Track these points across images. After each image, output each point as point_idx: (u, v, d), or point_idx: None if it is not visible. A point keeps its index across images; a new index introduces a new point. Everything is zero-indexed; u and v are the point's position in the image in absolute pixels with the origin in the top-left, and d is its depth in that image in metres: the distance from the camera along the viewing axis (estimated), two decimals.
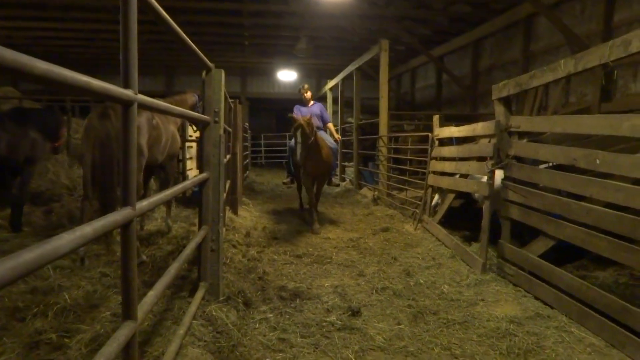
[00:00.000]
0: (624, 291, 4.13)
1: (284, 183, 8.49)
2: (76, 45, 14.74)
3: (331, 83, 15.16)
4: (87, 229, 1.26)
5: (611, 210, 3.29)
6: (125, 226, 1.59)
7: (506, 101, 4.82)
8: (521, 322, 3.53)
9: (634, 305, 3.08)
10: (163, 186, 5.87)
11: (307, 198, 7.59)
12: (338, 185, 9.30)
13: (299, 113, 7.50)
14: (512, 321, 3.55)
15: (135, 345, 1.65)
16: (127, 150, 1.62)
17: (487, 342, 3.25)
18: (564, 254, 4.53)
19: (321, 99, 17.95)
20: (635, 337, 2.97)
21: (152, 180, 7.32)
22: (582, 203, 3.61)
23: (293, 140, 6.90)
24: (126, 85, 1.58)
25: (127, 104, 1.59)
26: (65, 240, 1.13)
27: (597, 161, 3.40)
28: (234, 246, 5.21)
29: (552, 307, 3.78)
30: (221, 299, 3.49)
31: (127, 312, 1.62)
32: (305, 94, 8.00)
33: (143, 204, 1.80)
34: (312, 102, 8.02)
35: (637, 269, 3.62)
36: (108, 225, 1.41)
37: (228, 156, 6.50)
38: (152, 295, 1.93)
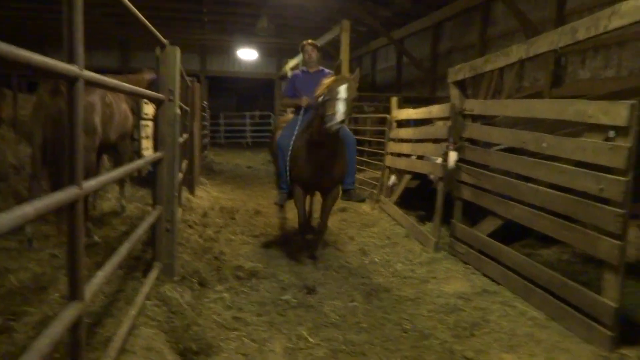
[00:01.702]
0: (565, 268, 4.37)
1: (276, 204, 5.18)
2: (23, 17, 13.95)
3: (292, 62, 15.02)
4: (28, 209, 1.23)
5: (555, 191, 3.46)
6: (71, 206, 1.56)
7: (461, 85, 4.93)
8: (469, 298, 3.70)
9: (573, 281, 3.27)
10: (117, 166, 5.71)
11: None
12: (363, 200, 5.44)
13: (302, 87, 4.94)
14: (461, 297, 3.70)
15: (83, 326, 1.63)
16: (73, 128, 1.58)
17: (436, 317, 3.38)
18: (512, 233, 4.73)
19: (282, 78, 17.81)
20: (573, 311, 3.16)
21: (106, 160, 7.12)
22: (530, 184, 3.77)
23: (286, 129, 4.79)
24: (71, 60, 1.52)
25: (72, 80, 1.54)
26: (4, 219, 1.10)
27: (544, 144, 3.55)
28: (191, 226, 5.16)
29: (498, 284, 3.97)
30: (176, 279, 3.47)
31: (74, 292, 1.60)
32: (310, 53, 5.13)
33: (91, 183, 1.76)
34: (319, 68, 5.16)
35: (577, 246, 3.83)
36: (52, 205, 1.38)
37: (185, 135, 6.39)
38: (100, 275, 1.91)
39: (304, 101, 4.78)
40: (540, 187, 3.66)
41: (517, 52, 3.96)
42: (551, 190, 3.52)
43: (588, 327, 3.03)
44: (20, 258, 3.75)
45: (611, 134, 2.96)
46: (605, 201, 2.99)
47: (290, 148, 4.58)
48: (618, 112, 2.88)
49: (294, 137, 4.62)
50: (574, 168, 3.28)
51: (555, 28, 3.70)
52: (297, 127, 4.71)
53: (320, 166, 4.42)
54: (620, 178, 2.85)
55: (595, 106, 3.09)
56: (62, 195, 1.48)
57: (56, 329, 1.40)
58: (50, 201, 1.38)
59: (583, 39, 3.27)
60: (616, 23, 2.94)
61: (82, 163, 1.63)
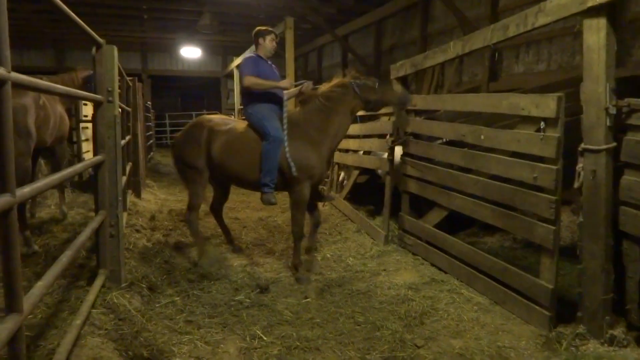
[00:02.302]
0: (507, 254, 4.59)
1: (271, 204, 4.39)
2: None
3: (237, 60, 14.85)
4: None
5: (494, 181, 3.62)
6: (4, 215, 1.48)
7: (404, 80, 5.05)
8: (418, 288, 3.81)
9: (514, 266, 3.44)
10: (55, 171, 5.46)
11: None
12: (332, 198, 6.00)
13: (265, 73, 4.43)
14: (411, 287, 3.81)
15: (22, 339, 1.56)
16: (2, 132, 1.50)
17: (387, 308, 3.47)
18: (458, 222, 4.91)
19: (228, 76, 17.56)
20: (515, 294, 3.33)
21: (43, 165, 6.78)
22: (470, 175, 3.92)
23: (272, 120, 4.22)
24: None
25: None
26: None
27: (482, 136, 3.71)
28: (138, 231, 5.02)
29: (446, 273, 4.11)
30: (123, 285, 3.36)
31: (11, 305, 1.53)
32: (275, 44, 4.79)
33: (25, 190, 1.68)
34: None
35: (517, 233, 4.03)
36: None
37: (128, 137, 6.19)
38: (40, 285, 1.83)
39: (287, 83, 4.42)
40: (481, 178, 3.82)
41: (455, 48, 4.10)
42: (490, 181, 3.68)
43: (528, 308, 3.20)
44: None
45: (542, 125, 3.13)
46: (540, 189, 3.16)
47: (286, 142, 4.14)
48: (547, 105, 3.05)
49: (285, 131, 4.17)
50: (510, 158, 3.45)
51: (490, 25, 3.86)
52: (283, 119, 4.25)
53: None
54: (552, 166, 3.02)
55: (527, 99, 3.25)
56: None
57: None
58: None
59: (513, 35, 3.43)
60: (542, 20, 3.11)
61: (13, 169, 1.55)
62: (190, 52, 17.69)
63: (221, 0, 11.78)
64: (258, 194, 4.36)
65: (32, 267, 3.74)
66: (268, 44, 4.70)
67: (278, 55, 14.01)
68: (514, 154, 3.47)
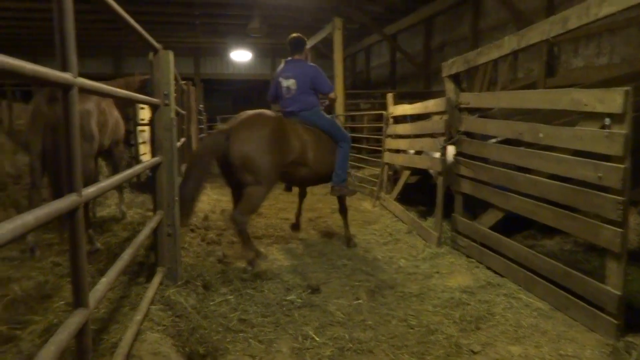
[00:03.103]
0: (568, 258, 4.37)
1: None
2: (14, 26, 13.91)
3: None
4: (29, 218, 1.22)
5: (554, 181, 3.46)
6: (71, 213, 1.55)
7: (455, 78, 4.92)
8: (473, 292, 3.69)
9: (576, 270, 3.27)
10: (114, 172, 5.72)
11: None
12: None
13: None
14: (465, 291, 3.70)
15: (89, 332, 1.63)
16: (70, 135, 1.57)
17: (441, 312, 3.38)
18: (514, 224, 4.73)
19: None
20: (578, 300, 3.16)
21: (104, 166, 7.11)
22: (528, 175, 3.77)
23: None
24: (64, 67, 1.51)
25: (66, 87, 1.53)
26: (5, 229, 1.10)
27: (540, 134, 3.55)
28: (192, 230, 5.16)
29: (502, 276, 3.97)
30: (180, 283, 3.46)
31: (79, 300, 1.59)
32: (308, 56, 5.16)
33: (90, 190, 1.75)
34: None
35: (579, 236, 3.83)
36: (52, 213, 1.37)
37: (182, 139, 6.38)
38: (104, 282, 1.90)
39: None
40: (539, 178, 3.66)
41: (510, 43, 3.95)
42: (550, 181, 3.52)
43: (593, 315, 3.03)
44: (22, 267, 3.74)
45: (607, 121, 2.96)
46: (605, 189, 2.98)
47: None
48: (613, 99, 2.88)
49: None
50: (571, 157, 3.28)
51: (546, 18, 3.70)
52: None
53: None
54: (619, 165, 2.85)
55: (590, 94, 3.08)
56: (61, 203, 1.47)
57: (62, 336, 1.40)
58: (50, 209, 1.37)
59: (574, 27, 3.26)
60: (606, 10, 2.94)
61: (80, 170, 1.62)
62: (241, 56, 18.07)
63: (270, 4, 11.95)
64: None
65: (95, 264, 3.91)
66: (303, 56, 5.03)
67: (325, 56, 14.19)
68: (575, 153, 3.30)
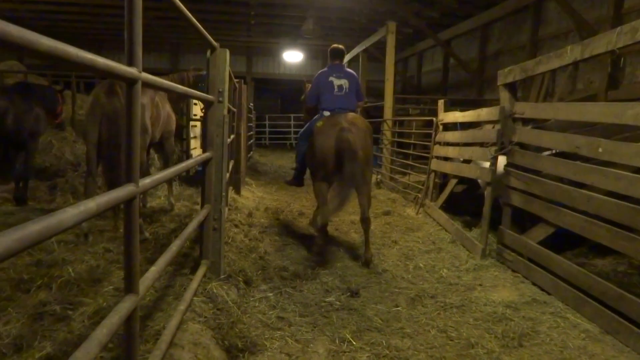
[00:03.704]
0: (621, 279, 4.17)
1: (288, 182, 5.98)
2: (80, 20, 14.64)
3: None
4: (91, 204, 1.29)
5: (611, 199, 3.31)
6: (128, 202, 1.62)
7: (511, 87, 4.80)
8: (517, 307, 3.58)
9: (630, 293, 3.11)
10: (165, 164, 5.92)
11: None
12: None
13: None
14: (509, 306, 3.59)
15: (137, 318, 1.69)
16: (130, 128, 1.64)
17: (483, 325, 3.30)
18: (563, 241, 4.56)
19: None
20: (629, 324, 3.01)
21: (155, 158, 7.36)
22: (583, 191, 3.62)
23: (310, 122, 5.30)
24: (130, 63, 1.59)
25: (131, 82, 1.60)
26: (70, 214, 1.16)
27: (600, 149, 3.40)
28: (236, 226, 5.26)
29: (549, 293, 3.82)
30: (222, 277, 3.54)
31: (129, 286, 1.66)
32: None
33: (146, 181, 1.82)
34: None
35: (636, 257, 3.64)
36: (111, 201, 1.44)
37: (232, 136, 6.51)
38: (153, 270, 1.97)
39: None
40: (595, 194, 3.51)
41: (572, 53, 3.81)
42: (607, 198, 3.36)
43: None
44: (77, 251, 3.93)
45: None
46: None
47: None
48: None
49: None
50: (633, 175, 3.13)
51: (612, 28, 3.54)
52: None
53: None
54: None
55: None
56: (120, 192, 1.54)
57: (113, 320, 1.46)
58: (110, 197, 1.43)
59: None
60: None
61: (138, 162, 1.69)
62: (293, 56, 18.26)
63: (324, 6, 12.02)
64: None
65: (143, 252, 4.06)
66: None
67: (377, 59, 14.14)
68: (637, 170, 3.14)
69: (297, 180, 5.72)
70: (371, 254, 4.71)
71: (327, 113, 5.12)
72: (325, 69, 5.40)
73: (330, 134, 4.62)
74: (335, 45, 5.48)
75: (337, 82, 5.17)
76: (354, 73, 5.40)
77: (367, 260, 4.62)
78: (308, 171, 5.39)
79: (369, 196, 4.83)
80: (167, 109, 5.40)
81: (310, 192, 6.05)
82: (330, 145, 4.58)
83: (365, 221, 4.74)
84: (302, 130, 5.56)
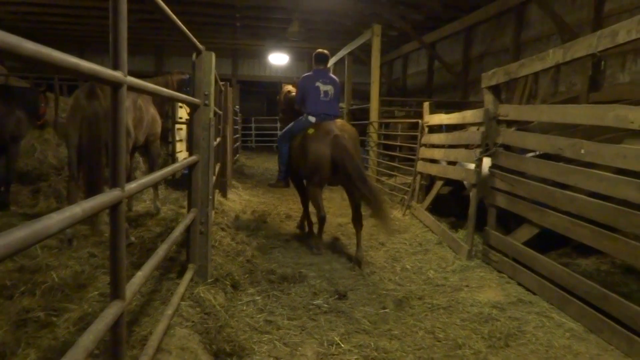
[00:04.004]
0: (605, 278, 4.23)
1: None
2: (63, 22, 14.46)
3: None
4: (77, 210, 1.27)
5: (594, 199, 3.36)
6: (114, 207, 1.60)
7: (495, 90, 4.85)
8: (504, 308, 3.62)
9: (613, 292, 3.17)
10: (151, 168, 5.86)
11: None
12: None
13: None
14: (495, 306, 3.63)
15: (123, 324, 1.67)
16: (115, 131, 1.62)
17: (470, 326, 3.32)
18: (548, 241, 4.61)
19: None
20: (613, 323, 3.06)
21: (140, 161, 7.29)
22: (567, 192, 3.67)
23: (293, 124, 5.47)
24: (115, 66, 1.57)
25: (116, 85, 1.58)
26: (55, 220, 1.14)
27: (582, 151, 3.46)
28: (223, 229, 5.22)
29: (534, 293, 3.87)
30: (209, 281, 3.52)
31: (115, 291, 1.64)
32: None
33: (132, 186, 1.81)
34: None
35: (618, 257, 3.70)
36: (97, 207, 1.42)
37: (218, 139, 6.48)
38: (140, 275, 1.95)
39: None
40: (578, 195, 3.56)
41: (554, 56, 3.87)
42: (589, 198, 3.42)
43: (629, 340, 2.92)
44: (61, 256, 3.87)
45: None
46: None
47: None
48: None
49: None
50: (615, 176, 3.18)
51: (593, 31, 3.60)
52: None
53: None
54: None
55: (637, 111, 2.98)
56: (106, 197, 1.53)
57: (99, 326, 1.44)
58: (95, 202, 1.42)
59: (624, 42, 3.16)
60: None
61: (124, 166, 1.67)
62: (278, 59, 18.26)
63: (310, 9, 12.05)
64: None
65: (129, 257, 4.01)
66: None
67: (362, 62, 14.19)
68: (618, 171, 3.20)
69: (283, 182, 5.79)
70: (363, 254, 4.77)
71: (312, 118, 5.30)
72: (311, 73, 5.53)
73: (325, 141, 4.83)
74: (320, 50, 5.59)
75: (323, 87, 5.34)
76: (337, 79, 5.59)
77: (358, 260, 4.68)
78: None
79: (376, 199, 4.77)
80: (151, 111, 5.34)
81: (297, 194, 6.15)
82: (326, 152, 4.80)
83: (358, 221, 4.94)
84: (282, 132, 5.72)
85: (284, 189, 6.10)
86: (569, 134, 4.10)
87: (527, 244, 4.19)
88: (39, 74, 9.49)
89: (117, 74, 1.56)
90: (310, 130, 5.07)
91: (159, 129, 5.71)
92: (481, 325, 3.33)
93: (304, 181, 5.58)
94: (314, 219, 5.54)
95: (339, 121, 5.24)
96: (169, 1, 2.33)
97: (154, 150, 5.73)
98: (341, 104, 12.70)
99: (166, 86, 5.56)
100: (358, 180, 4.59)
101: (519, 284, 4.10)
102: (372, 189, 4.59)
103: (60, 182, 6.54)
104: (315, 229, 5.35)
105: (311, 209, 5.55)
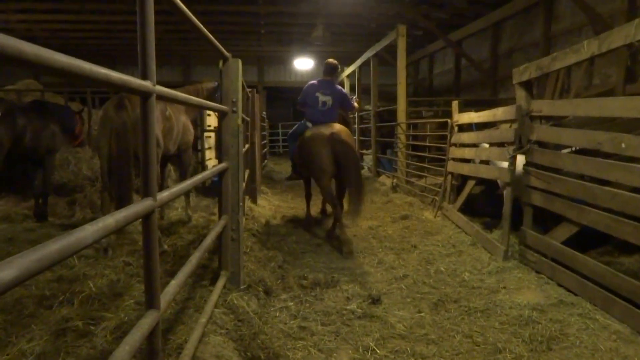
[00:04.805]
0: None
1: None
2: (94, 37, 14.89)
3: (348, 70, 15.05)
4: (110, 220, 1.28)
5: (637, 195, 3.22)
6: (147, 217, 1.61)
7: (527, 85, 4.72)
8: (544, 310, 3.49)
9: None
10: (182, 176, 5.93)
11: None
12: None
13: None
14: (535, 308, 3.51)
15: (159, 334, 1.68)
16: (146, 141, 1.63)
17: (509, 329, 3.22)
18: (588, 240, 4.45)
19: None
20: None
21: (171, 170, 7.40)
22: (607, 188, 3.53)
23: (297, 126, 6.25)
24: (144, 76, 1.58)
25: (145, 95, 1.59)
26: (89, 231, 1.15)
27: (623, 145, 3.32)
28: (254, 235, 5.25)
29: (575, 294, 3.73)
30: (242, 287, 3.52)
31: (150, 301, 1.65)
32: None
33: (164, 195, 1.81)
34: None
35: None
36: (130, 217, 1.42)
37: (247, 146, 6.52)
38: (174, 284, 1.96)
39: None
40: (620, 191, 3.42)
41: (589, 48, 3.73)
42: (633, 194, 3.27)
43: None
44: (97, 265, 3.94)
45: None
46: None
47: None
48: None
49: None
50: None
51: (627, 21, 3.46)
52: None
53: None
54: None
55: None
56: (139, 207, 1.53)
57: (135, 337, 1.44)
58: (128, 213, 1.42)
59: None
60: None
61: (155, 175, 1.68)
62: (303, 64, 18.32)
63: (333, 12, 12.05)
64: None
65: (162, 265, 4.06)
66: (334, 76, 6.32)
67: (389, 63, 14.08)
68: None
69: (296, 175, 6.70)
70: (344, 234, 5.31)
71: (309, 124, 5.97)
72: (315, 82, 6.12)
73: (323, 141, 5.39)
74: (329, 60, 6.17)
75: (322, 98, 5.95)
76: (342, 89, 6.30)
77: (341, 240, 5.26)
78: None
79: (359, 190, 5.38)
80: (182, 120, 5.39)
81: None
82: (326, 150, 5.35)
83: (340, 202, 5.68)
84: (290, 132, 6.49)
85: (314, 196, 6.78)
86: (605, 128, 3.95)
87: (566, 242, 4.04)
88: (72, 89, 9.75)
89: (146, 84, 1.57)
90: (308, 133, 5.71)
91: (191, 138, 5.77)
92: (521, 328, 3.22)
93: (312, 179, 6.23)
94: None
95: (333, 123, 5.74)
96: (195, 12, 2.34)
97: (187, 159, 5.80)
98: (367, 106, 12.72)
99: (197, 95, 5.61)
100: (355, 170, 5.31)
101: (559, 285, 3.95)
102: (362, 180, 5.46)
103: (95, 193, 6.69)
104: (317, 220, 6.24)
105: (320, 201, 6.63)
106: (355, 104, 6.67)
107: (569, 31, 9.01)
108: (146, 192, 1.65)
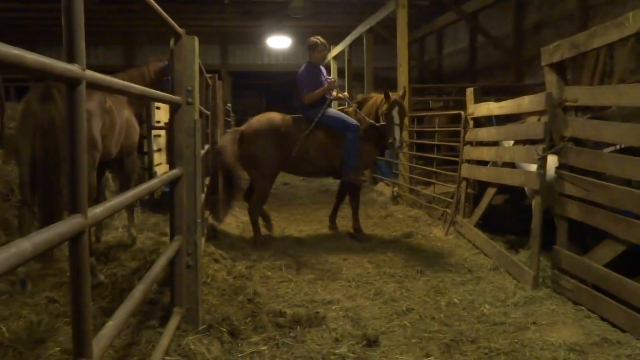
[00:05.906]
0: None
1: None
2: (7, 8, 14.72)
3: (336, 50, 15.14)
4: (26, 245, 1.25)
5: None
6: (75, 239, 1.58)
7: (559, 68, 4.81)
8: (584, 350, 3.54)
9: None
10: (123, 187, 5.87)
11: None
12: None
13: (317, 82, 7.10)
14: (573, 349, 3.56)
15: None
16: (75, 142, 1.61)
17: None
18: (638, 262, 4.53)
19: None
20: None
21: (110, 179, 7.33)
22: None
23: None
24: (70, 58, 1.56)
25: (72, 82, 1.57)
26: None
27: None
28: (217, 260, 5.23)
29: (623, 330, 3.79)
30: (201, 328, 3.50)
31: (80, 349, 1.62)
32: (325, 55, 7.89)
33: (97, 211, 1.79)
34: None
35: None
36: (52, 239, 1.40)
37: (206, 146, 6.50)
38: (111, 326, 1.93)
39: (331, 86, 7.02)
40: None
41: (635, 21, 3.81)
42: None
43: None
44: (12, 303, 3.88)
45: None
46: None
47: None
48: None
49: None
50: None
51: None
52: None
53: None
54: None
55: None
56: (63, 226, 1.51)
57: None
58: (49, 234, 1.40)
59: None
60: None
61: (86, 186, 1.66)
62: (279, 42, 18.36)
63: None
64: (361, 221, 4.61)
65: (97, 300, 4.02)
66: (317, 54, 7.12)
67: (386, 41, 14.20)
68: None
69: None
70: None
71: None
72: (315, 68, 7.16)
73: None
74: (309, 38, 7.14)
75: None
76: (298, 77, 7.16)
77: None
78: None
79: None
80: (125, 115, 5.32)
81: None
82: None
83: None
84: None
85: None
86: None
87: (610, 265, 4.10)
88: None
89: (73, 68, 1.55)
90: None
91: (136, 138, 5.72)
92: None
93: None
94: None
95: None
96: None
97: (130, 164, 5.75)
98: (359, 94, 12.76)
99: (143, 80, 5.55)
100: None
101: (603, 319, 4.01)
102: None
103: (9, 209, 6.58)
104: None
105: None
106: (335, 92, 7.20)
107: (610, 1, 9.19)
108: (74, 208, 1.62)
